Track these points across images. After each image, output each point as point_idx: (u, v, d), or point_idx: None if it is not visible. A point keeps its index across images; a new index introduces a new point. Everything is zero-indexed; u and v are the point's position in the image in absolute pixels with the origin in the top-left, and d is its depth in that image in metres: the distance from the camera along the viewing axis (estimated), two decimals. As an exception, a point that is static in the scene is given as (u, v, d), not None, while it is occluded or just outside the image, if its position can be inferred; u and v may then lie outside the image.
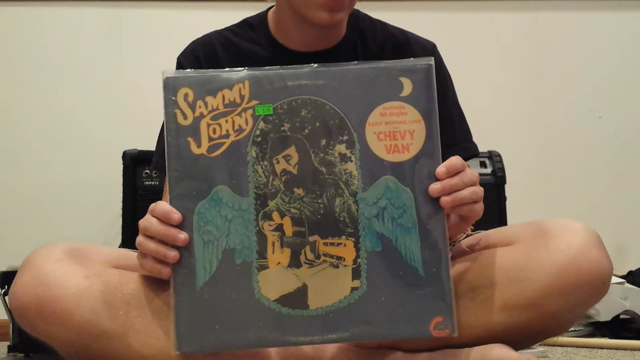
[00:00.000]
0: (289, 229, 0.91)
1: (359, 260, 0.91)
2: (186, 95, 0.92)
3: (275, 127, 0.92)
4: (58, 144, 2.38)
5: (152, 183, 1.96)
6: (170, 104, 0.92)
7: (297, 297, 0.90)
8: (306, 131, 0.92)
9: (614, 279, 1.95)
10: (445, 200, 0.93)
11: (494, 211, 2.02)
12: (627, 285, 2.01)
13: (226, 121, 0.92)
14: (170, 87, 0.92)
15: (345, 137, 0.92)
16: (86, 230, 2.26)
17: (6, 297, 1.75)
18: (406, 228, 0.92)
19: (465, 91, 2.42)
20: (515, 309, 1.00)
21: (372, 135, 0.92)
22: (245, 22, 1.31)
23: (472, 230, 1.15)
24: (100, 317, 0.97)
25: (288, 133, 0.92)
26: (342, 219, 0.92)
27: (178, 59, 1.30)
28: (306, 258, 0.91)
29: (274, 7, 1.28)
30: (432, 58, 0.97)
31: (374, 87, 0.92)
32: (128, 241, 1.95)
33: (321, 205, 0.91)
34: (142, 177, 1.97)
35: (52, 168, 2.37)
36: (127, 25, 2.46)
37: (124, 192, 2.00)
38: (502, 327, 1.01)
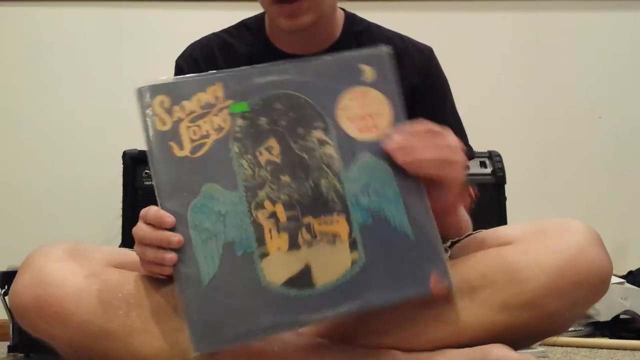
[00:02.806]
0: (282, 214, 0.93)
1: (353, 234, 0.94)
2: (162, 102, 0.94)
3: (253, 123, 0.95)
4: (58, 144, 2.38)
5: (152, 183, 1.96)
6: (145, 113, 0.93)
7: (302, 278, 0.92)
8: (283, 122, 0.96)
9: (614, 279, 1.95)
10: (403, 160, 0.96)
11: (494, 211, 2.03)
12: (627, 285, 2.01)
13: (205, 122, 0.93)
14: (144, 97, 0.94)
15: (320, 124, 0.97)
16: (86, 230, 2.26)
17: (6, 297, 1.75)
18: (389, 198, 0.97)
19: (465, 91, 2.42)
20: (515, 308, 1.00)
21: (345, 119, 0.98)
22: (243, 24, 1.32)
23: (472, 230, 1.15)
24: (100, 316, 0.98)
25: (266, 126, 0.95)
26: (330, 198, 0.95)
27: (177, 61, 1.30)
28: (304, 239, 0.93)
29: None
30: (389, 46, 1.03)
31: (337, 76, 0.99)
32: (128, 241, 1.94)
33: (309, 188, 0.95)
34: (142, 177, 1.97)
35: (52, 168, 2.37)
36: (127, 25, 2.46)
37: (124, 192, 2.00)
38: (502, 327, 1.01)
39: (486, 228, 1.13)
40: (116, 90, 2.41)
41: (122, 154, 2.00)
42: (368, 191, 0.96)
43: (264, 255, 0.91)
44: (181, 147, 0.92)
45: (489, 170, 2.07)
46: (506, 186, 2.07)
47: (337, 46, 1.26)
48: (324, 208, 0.94)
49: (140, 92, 0.94)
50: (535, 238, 1.02)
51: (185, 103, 0.94)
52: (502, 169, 2.07)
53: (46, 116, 2.40)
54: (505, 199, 2.05)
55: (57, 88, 2.41)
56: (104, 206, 2.25)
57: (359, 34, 1.28)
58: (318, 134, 0.97)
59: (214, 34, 1.32)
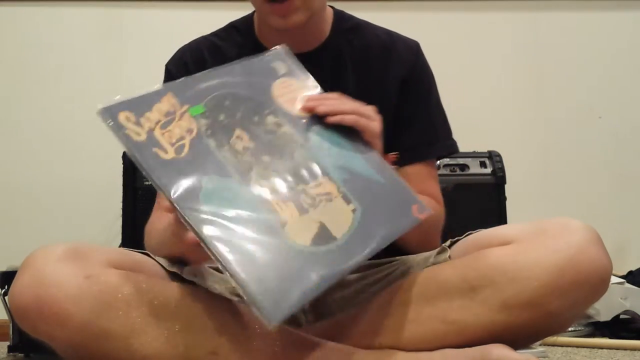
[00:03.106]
0: (279, 187, 0.98)
1: (341, 189, 1.01)
2: (128, 117, 0.98)
3: (215, 120, 1.01)
4: (58, 144, 2.39)
5: (155, 188, 1.96)
6: (117, 129, 0.97)
7: (324, 234, 0.96)
8: (239, 114, 1.03)
9: (614, 279, 1.95)
10: (324, 111, 1.05)
11: (494, 211, 2.02)
12: (627, 285, 2.01)
13: (174, 127, 0.99)
14: (108, 115, 0.97)
15: (268, 110, 1.05)
16: (86, 230, 2.26)
17: (6, 297, 1.75)
18: (351, 156, 1.06)
19: (465, 91, 2.42)
20: (515, 308, 1.00)
21: (285, 103, 1.07)
22: (232, 26, 1.33)
23: (472, 230, 1.15)
24: (100, 317, 0.97)
25: (227, 120, 1.02)
26: (308, 166, 1.02)
27: (166, 66, 1.31)
28: (307, 203, 0.98)
29: None
30: (283, 45, 1.12)
31: (261, 74, 1.09)
32: (128, 241, 1.95)
33: (289, 162, 1.01)
34: (142, 177, 1.97)
35: (52, 168, 2.37)
36: (127, 25, 2.46)
37: (124, 192, 2.00)
38: (502, 327, 1.01)
39: (486, 228, 1.13)
40: (116, 90, 2.40)
41: (122, 154, 2.00)
42: (332, 154, 1.04)
43: (284, 223, 0.95)
44: (165, 152, 0.96)
45: (489, 170, 2.07)
46: (506, 186, 2.07)
47: (327, 44, 1.27)
48: (309, 175, 1.01)
49: (104, 112, 0.97)
50: (535, 237, 1.02)
51: (148, 114, 0.99)
52: (502, 169, 2.07)
53: (46, 116, 2.40)
54: (505, 199, 2.05)
55: (57, 88, 2.42)
56: (104, 206, 2.25)
57: (348, 31, 1.29)
58: (271, 118, 1.05)
59: (203, 37, 1.33)
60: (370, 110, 1.09)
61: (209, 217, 0.92)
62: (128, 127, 0.97)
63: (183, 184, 0.94)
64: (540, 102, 2.52)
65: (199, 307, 1.03)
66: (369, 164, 1.06)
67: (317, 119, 1.07)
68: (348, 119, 1.06)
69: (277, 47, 1.13)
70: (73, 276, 0.98)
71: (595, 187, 2.48)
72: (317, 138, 1.05)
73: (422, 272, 1.10)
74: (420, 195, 1.08)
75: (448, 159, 2.04)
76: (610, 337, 1.90)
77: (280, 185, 0.98)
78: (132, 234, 1.97)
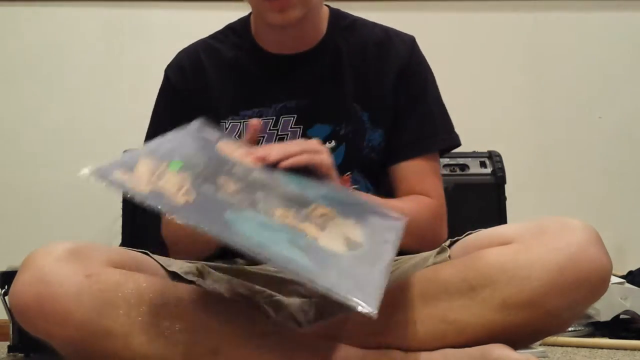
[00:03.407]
0: (289, 213, 0.97)
1: (333, 209, 1.01)
2: (123, 174, 0.93)
3: (197, 170, 0.98)
4: (58, 144, 2.39)
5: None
6: (120, 186, 0.92)
7: (351, 243, 0.96)
8: (211, 168, 1.00)
9: (614, 279, 1.95)
10: (275, 158, 1.03)
11: (494, 211, 2.02)
12: (627, 285, 2.01)
13: (167, 179, 0.94)
14: (103, 177, 0.91)
15: (231, 165, 1.03)
16: (86, 230, 2.26)
17: (6, 297, 1.75)
18: (318, 186, 1.06)
19: (465, 91, 2.42)
20: (515, 307, 1.00)
21: (238, 158, 1.05)
22: (228, 27, 1.33)
23: (472, 229, 1.15)
24: (100, 316, 0.97)
25: (207, 170, 0.99)
26: (297, 196, 1.01)
27: (165, 71, 1.33)
28: (318, 223, 0.97)
29: None
30: (197, 120, 1.10)
31: (201, 141, 1.07)
32: (128, 241, 1.95)
33: (280, 194, 0.99)
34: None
35: (52, 168, 2.37)
36: (127, 25, 2.46)
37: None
38: (502, 326, 1.01)
39: (486, 228, 1.13)
40: (116, 90, 2.41)
41: (121, 154, 2.00)
42: (305, 189, 1.04)
43: (315, 239, 0.94)
44: (177, 197, 0.92)
45: (489, 170, 2.07)
46: (506, 186, 2.07)
47: (324, 42, 1.27)
48: (302, 203, 1.00)
49: (98, 174, 0.92)
50: (535, 237, 1.02)
51: (137, 173, 0.94)
52: (502, 169, 2.07)
53: (46, 116, 2.40)
54: (505, 199, 2.05)
55: (57, 88, 2.42)
56: (104, 206, 2.25)
57: (345, 28, 1.29)
58: (237, 168, 1.02)
59: (201, 40, 1.33)
60: (315, 143, 1.09)
61: (256, 242, 0.88)
62: (129, 181, 0.91)
63: (214, 219, 0.90)
64: (540, 102, 2.52)
65: (199, 307, 1.03)
66: (335, 192, 1.08)
67: (272, 166, 1.05)
68: (301, 159, 1.05)
69: (194, 122, 1.11)
70: (73, 275, 0.98)
71: (595, 187, 2.48)
72: (284, 179, 1.04)
73: (422, 272, 1.10)
74: (393, 204, 1.10)
75: (448, 159, 2.04)
76: (610, 337, 1.90)
77: (289, 212, 0.97)
78: (132, 234, 1.97)
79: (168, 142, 1.04)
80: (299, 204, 0.99)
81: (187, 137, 1.07)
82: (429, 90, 1.31)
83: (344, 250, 0.94)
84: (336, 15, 1.31)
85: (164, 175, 0.95)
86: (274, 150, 1.05)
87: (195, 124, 1.11)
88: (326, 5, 1.32)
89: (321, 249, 0.92)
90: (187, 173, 0.96)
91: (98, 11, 2.45)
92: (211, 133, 1.11)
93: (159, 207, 0.89)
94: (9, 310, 1.62)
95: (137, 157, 0.96)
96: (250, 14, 1.31)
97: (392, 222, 1.07)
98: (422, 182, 1.26)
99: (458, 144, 1.33)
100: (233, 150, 1.07)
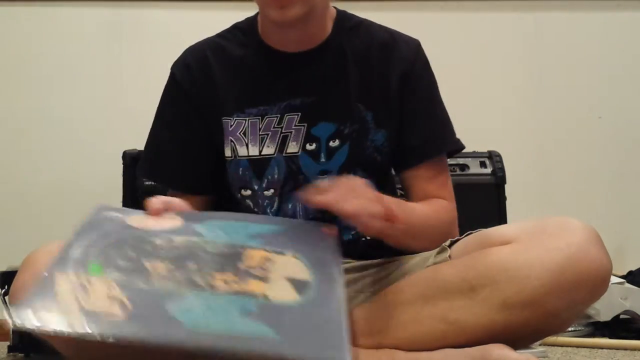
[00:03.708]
0: (225, 277, 0.95)
1: (267, 249, 1.02)
2: (47, 312, 0.84)
3: (118, 268, 0.93)
4: (58, 144, 2.38)
5: (152, 183, 1.96)
6: (53, 331, 0.84)
7: (298, 284, 0.96)
8: (130, 254, 0.96)
9: (614, 279, 1.95)
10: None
11: (494, 211, 2.02)
12: (627, 285, 2.01)
13: (92, 293, 0.88)
14: (32, 325, 0.83)
15: (149, 239, 1.00)
16: (86, 230, 2.26)
17: (6, 297, 1.75)
18: (238, 225, 1.08)
19: (465, 91, 2.42)
20: (515, 307, 1.00)
21: (154, 227, 1.04)
22: (235, 27, 1.33)
23: (472, 229, 1.15)
24: (100, 316, 0.97)
25: (128, 263, 0.94)
26: (226, 250, 1.01)
27: (171, 68, 1.32)
28: (259, 274, 0.97)
29: None
30: (97, 205, 1.09)
31: (107, 224, 1.03)
32: (128, 241, 1.95)
33: (210, 258, 0.98)
34: (142, 178, 1.97)
35: (52, 168, 2.37)
36: (127, 25, 2.46)
37: (124, 192, 1.99)
38: (502, 326, 1.01)
39: (486, 228, 1.13)
40: (116, 90, 2.41)
41: (122, 154, 2.00)
42: (229, 232, 1.04)
43: (264, 296, 0.92)
44: (112, 310, 0.86)
45: (489, 170, 2.07)
46: (506, 186, 2.07)
47: (329, 42, 1.27)
48: (235, 255, 0.99)
49: (28, 324, 0.83)
50: (535, 237, 1.02)
51: (58, 298, 0.87)
52: (502, 169, 2.07)
53: (46, 116, 2.40)
54: (505, 199, 2.05)
55: (57, 88, 2.41)
56: (104, 206, 2.24)
57: (350, 29, 1.29)
58: (157, 240, 0.99)
59: (207, 38, 1.33)
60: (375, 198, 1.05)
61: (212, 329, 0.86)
62: (57, 315, 0.84)
63: (163, 327, 0.85)
64: (540, 102, 2.52)
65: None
66: (254, 222, 1.09)
67: (189, 222, 1.04)
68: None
69: (96, 206, 1.08)
70: (73, 275, 0.98)
71: (595, 187, 2.48)
72: (205, 230, 1.03)
73: (422, 272, 1.10)
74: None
75: (448, 159, 2.03)
76: (610, 337, 1.90)
77: (227, 275, 0.94)
78: (132, 234, 1.96)
79: (76, 243, 0.96)
80: (232, 258, 0.98)
81: (92, 231, 1.00)
82: (434, 95, 1.31)
83: (295, 297, 0.93)
84: (342, 17, 1.31)
85: (90, 285, 0.89)
86: (347, 204, 1.01)
87: (94, 209, 1.07)
88: (334, 7, 1.32)
89: (274, 306, 0.91)
90: (111, 275, 0.91)
91: (98, 11, 2.45)
92: (113, 211, 1.08)
93: (103, 334, 0.83)
94: (9, 310, 1.62)
95: (52, 275, 0.89)
96: (257, 13, 1.31)
97: (325, 236, 1.07)
98: (436, 185, 1.25)
99: (463, 148, 1.33)
100: (142, 220, 1.05)
